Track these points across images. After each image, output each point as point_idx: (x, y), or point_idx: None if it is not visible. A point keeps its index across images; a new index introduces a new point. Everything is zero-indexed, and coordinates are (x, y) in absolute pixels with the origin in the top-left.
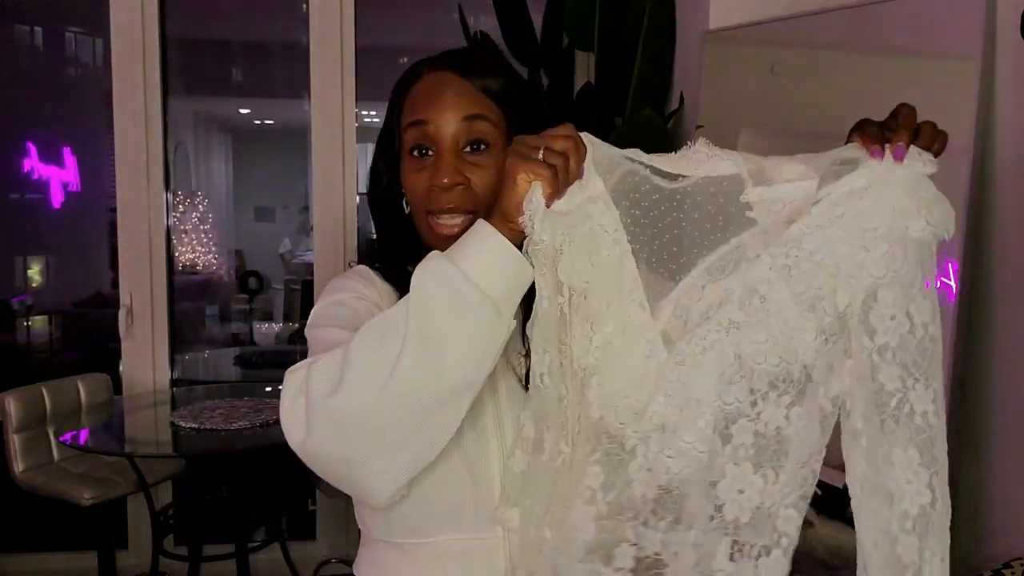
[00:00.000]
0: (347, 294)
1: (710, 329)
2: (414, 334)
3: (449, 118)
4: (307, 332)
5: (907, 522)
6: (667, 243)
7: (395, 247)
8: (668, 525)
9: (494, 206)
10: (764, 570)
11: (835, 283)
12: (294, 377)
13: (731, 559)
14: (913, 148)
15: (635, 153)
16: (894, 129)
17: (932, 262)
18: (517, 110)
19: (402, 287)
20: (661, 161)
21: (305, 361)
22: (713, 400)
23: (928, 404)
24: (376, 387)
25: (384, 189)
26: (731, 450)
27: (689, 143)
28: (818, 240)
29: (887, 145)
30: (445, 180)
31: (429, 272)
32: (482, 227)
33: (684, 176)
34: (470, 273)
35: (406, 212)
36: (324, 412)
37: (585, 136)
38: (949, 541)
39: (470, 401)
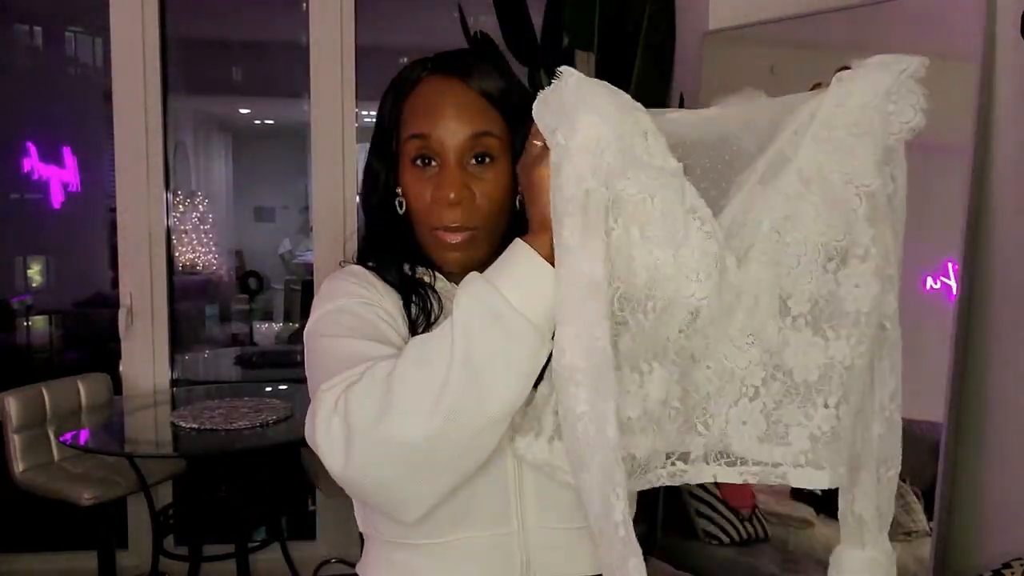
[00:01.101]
0: (350, 299)
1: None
2: (460, 362)
3: (454, 132)
4: (311, 340)
5: None
6: (706, 177)
7: (390, 247)
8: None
9: (528, 220)
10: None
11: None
12: (329, 396)
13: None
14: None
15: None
16: None
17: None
18: (518, 114)
19: (401, 287)
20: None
21: (341, 380)
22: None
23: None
24: (423, 416)
25: (381, 190)
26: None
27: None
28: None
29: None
30: (451, 195)
31: (473, 299)
32: (522, 250)
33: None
34: (515, 300)
35: (400, 213)
36: (367, 439)
37: (579, 79)
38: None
39: (508, 422)
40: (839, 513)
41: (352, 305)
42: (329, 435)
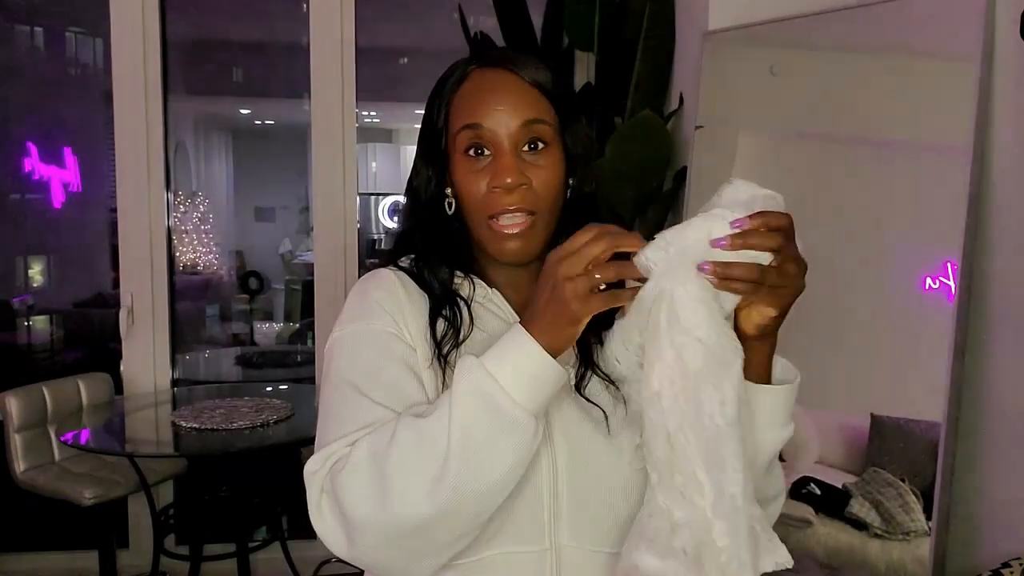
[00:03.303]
0: (376, 324)
1: None
2: (457, 453)
3: (508, 118)
4: (328, 357)
5: None
6: None
7: (439, 249)
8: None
9: (534, 309)
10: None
11: None
12: (315, 480)
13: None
14: None
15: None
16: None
17: None
18: (566, 105)
19: (439, 296)
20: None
21: (322, 457)
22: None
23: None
24: (422, 503)
25: (431, 191)
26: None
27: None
28: None
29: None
30: (509, 180)
31: (471, 387)
32: (524, 340)
33: None
34: (513, 391)
35: (449, 213)
36: (367, 528)
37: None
38: None
39: (508, 491)
40: None
41: (376, 336)
42: (324, 521)
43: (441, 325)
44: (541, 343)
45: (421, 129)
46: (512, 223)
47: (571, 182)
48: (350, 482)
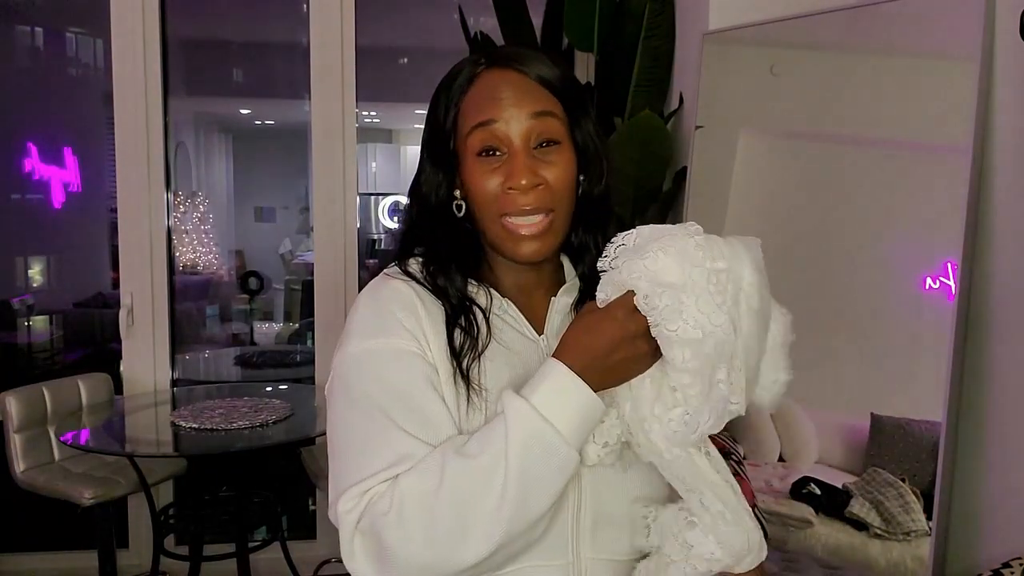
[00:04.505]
0: (397, 342)
1: None
2: (513, 496)
3: (519, 116)
4: (342, 379)
5: None
6: None
7: (451, 256)
8: None
9: (596, 352)
10: None
11: None
12: (349, 519)
13: None
14: None
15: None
16: None
17: None
18: (576, 102)
19: (455, 306)
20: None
21: (357, 494)
22: None
23: None
24: (479, 546)
25: (440, 195)
26: None
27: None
28: None
29: None
30: (524, 181)
31: (527, 433)
32: (576, 386)
33: None
34: (566, 433)
35: (459, 216)
36: (412, 570)
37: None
38: None
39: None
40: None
41: (399, 356)
42: (355, 561)
43: (458, 336)
44: (592, 384)
45: (427, 132)
46: (529, 223)
47: (582, 179)
48: (397, 525)
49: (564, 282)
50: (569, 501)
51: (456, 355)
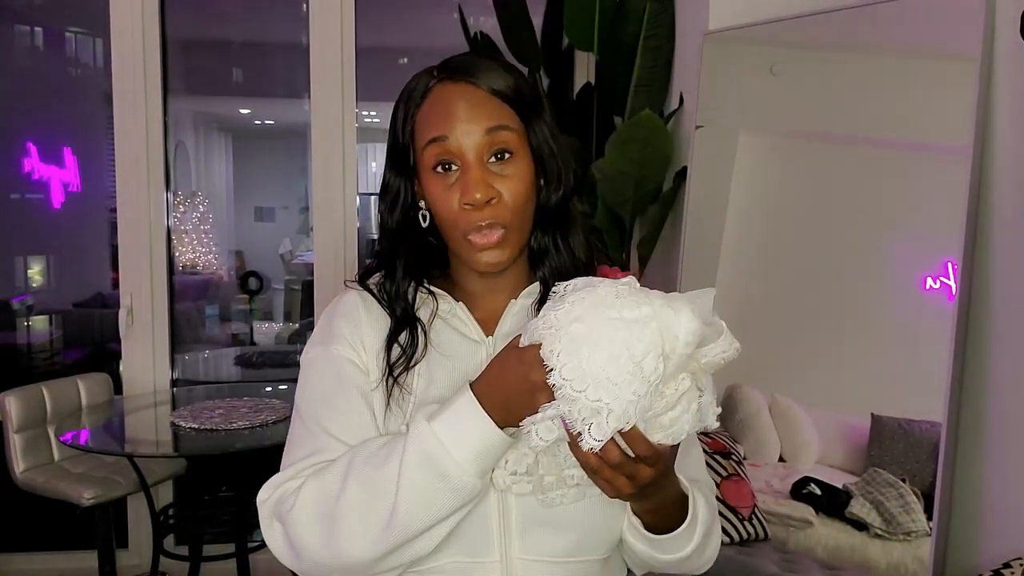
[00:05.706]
0: (339, 350)
1: None
2: (403, 510)
3: (471, 131)
4: (300, 375)
5: None
6: None
7: (410, 266)
8: None
9: (498, 386)
10: None
11: None
12: (264, 508)
13: None
14: None
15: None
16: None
17: None
18: (530, 110)
19: (399, 320)
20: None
21: (271, 487)
22: None
23: None
24: (368, 548)
25: (403, 205)
26: None
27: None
28: None
29: None
30: (478, 196)
31: (422, 455)
32: (478, 417)
33: None
34: (463, 462)
35: (423, 226)
36: (315, 562)
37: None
38: None
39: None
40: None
41: (334, 362)
42: (275, 541)
43: (395, 351)
44: (495, 418)
45: (388, 144)
46: (485, 238)
47: (542, 183)
48: (299, 522)
49: (529, 284)
50: (490, 505)
51: (389, 367)
